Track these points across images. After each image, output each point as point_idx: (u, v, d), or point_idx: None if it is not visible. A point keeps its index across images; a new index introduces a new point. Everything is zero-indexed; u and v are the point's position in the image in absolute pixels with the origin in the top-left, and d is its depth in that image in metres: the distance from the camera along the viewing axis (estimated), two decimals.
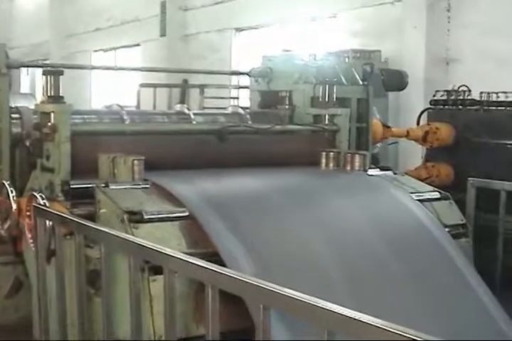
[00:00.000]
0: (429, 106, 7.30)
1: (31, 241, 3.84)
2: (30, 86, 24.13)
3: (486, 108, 6.74)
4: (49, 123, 3.95)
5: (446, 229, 4.05)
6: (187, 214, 3.49)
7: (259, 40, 14.46)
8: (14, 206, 4.05)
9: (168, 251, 2.74)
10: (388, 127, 6.78)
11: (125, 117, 4.66)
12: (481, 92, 6.83)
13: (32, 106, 4.50)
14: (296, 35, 13.19)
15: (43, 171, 4.04)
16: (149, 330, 3.16)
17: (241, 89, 12.32)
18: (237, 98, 12.71)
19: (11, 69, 4.74)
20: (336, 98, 5.12)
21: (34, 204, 3.74)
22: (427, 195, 4.27)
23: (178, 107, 5.26)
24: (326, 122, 5.01)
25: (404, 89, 8.27)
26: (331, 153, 4.65)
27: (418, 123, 7.26)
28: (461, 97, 6.99)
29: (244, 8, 14.23)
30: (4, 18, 25.95)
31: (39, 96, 4.75)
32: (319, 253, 3.49)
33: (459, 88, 7.06)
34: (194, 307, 3.22)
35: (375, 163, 8.36)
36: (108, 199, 3.53)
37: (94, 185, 3.68)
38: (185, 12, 16.29)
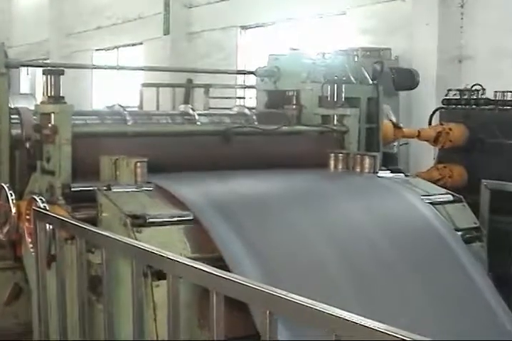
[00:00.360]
0: (442, 105, 7.28)
1: (31, 245, 3.85)
2: (30, 86, 24.22)
3: (500, 107, 6.73)
4: (49, 125, 3.96)
5: (460, 233, 4.04)
6: (191, 217, 3.49)
7: (265, 38, 14.48)
8: (13, 209, 4.06)
9: (171, 255, 2.74)
10: (399, 127, 6.77)
11: (127, 118, 4.66)
12: (496, 91, 6.81)
13: (32, 107, 4.51)
14: (304, 32, 13.21)
15: (43, 174, 4.05)
16: (152, 337, 3.16)
17: (247, 89, 12.35)
18: (243, 98, 12.74)
19: (10, 68, 4.75)
20: (345, 98, 5.11)
21: (34, 207, 3.75)
22: (440, 198, 4.26)
23: (182, 108, 5.26)
24: (335, 123, 5.01)
25: (415, 88, 8.26)
26: (340, 155, 4.65)
27: (430, 124, 7.25)
28: (475, 96, 6.97)
29: (251, 5, 14.25)
30: (3, 17, 26.03)
31: (39, 97, 4.76)
32: (327, 258, 3.49)
33: (472, 87, 7.05)
34: (198, 313, 3.23)
35: (394, 163, 8.39)
36: (110, 203, 3.54)
37: (96, 188, 3.68)
38: (190, 9, 16.32)
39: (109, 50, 20.15)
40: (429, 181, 4.73)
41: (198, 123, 4.90)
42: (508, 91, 6.75)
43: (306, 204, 3.87)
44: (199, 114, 4.99)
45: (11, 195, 4.10)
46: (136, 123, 4.69)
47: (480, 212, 5.35)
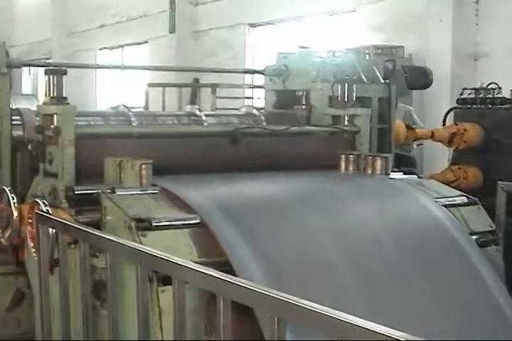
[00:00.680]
0: (456, 105, 7.29)
1: (33, 250, 3.86)
2: (32, 86, 24.29)
3: None
4: (52, 126, 3.97)
5: (475, 237, 4.04)
6: (198, 221, 3.49)
7: (274, 36, 14.50)
8: (15, 213, 4.08)
9: (178, 260, 2.75)
10: (412, 128, 6.78)
11: (132, 119, 4.68)
12: None
13: (34, 108, 4.52)
14: (314, 30, 13.22)
15: (46, 176, 4.06)
16: None
17: (255, 89, 12.36)
18: (251, 98, 12.75)
19: (12, 68, 4.78)
20: (356, 97, 5.11)
21: (36, 211, 3.76)
22: (454, 200, 4.25)
23: (188, 108, 5.27)
24: (346, 123, 5.01)
25: (428, 87, 8.27)
26: (351, 156, 4.65)
27: (444, 124, 7.25)
28: (491, 95, 6.97)
29: (259, 2, 14.27)
30: (4, 15, 26.11)
31: (41, 98, 4.78)
32: (336, 262, 3.49)
33: (488, 85, 7.05)
34: (205, 319, 3.24)
35: (413, 165, 8.39)
36: (114, 206, 3.54)
37: (100, 191, 3.69)
38: (196, 7, 16.35)
39: (113, 49, 20.20)
40: (443, 183, 4.73)
41: (205, 124, 4.91)
42: None
43: (316, 207, 3.87)
44: (206, 115, 5.00)
45: (13, 199, 4.11)
46: (142, 124, 4.71)
47: (496, 215, 5.33)
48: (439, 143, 7.23)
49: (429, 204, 4.07)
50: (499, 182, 5.67)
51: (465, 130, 6.83)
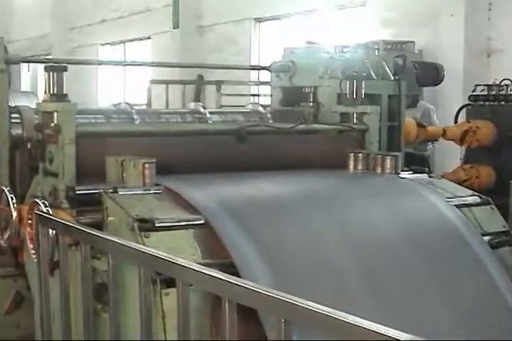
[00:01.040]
0: (468, 102, 7.29)
1: (33, 252, 3.87)
2: (32, 83, 24.31)
3: None
4: (52, 124, 3.97)
5: (488, 237, 4.04)
6: (202, 221, 3.50)
7: (281, 31, 14.49)
8: (15, 214, 4.09)
9: (181, 261, 2.75)
10: (423, 126, 6.78)
11: (135, 117, 4.69)
12: None
13: (33, 106, 4.53)
14: (322, 25, 13.21)
15: (46, 176, 4.07)
16: None
17: (261, 86, 12.36)
18: (257, 95, 12.74)
19: (11, 65, 4.79)
20: (365, 94, 5.12)
21: (36, 211, 3.76)
22: (466, 200, 4.25)
23: (192, 105, 5.28)
24: (354, 121, 5.01)
25: (440, 83, 8.27)
26: (360, 155, 4.65)
27: (456, 122, 7.25)
28: (504, 92, 6.97)
29: None
30: (2, 9, 26.15)
31: (41, 95, 4.79)
32: (344, 263, 3.50)
33: (501, 82, 7.05)
34: (210, 322, 3.25)
35: (426, 164, 8.38)
36: (117, 206, 3.55)
37: (102, 191, 3.70)
38: (200, 1, 16.35)
39: (115, 44, 20.21)
40: (455, 182, 4.73)
41: (210, 121, 4.92)
42: None
43: (324, 207, 3.87)
44: (210, 112, 5.01)
45: (12, 199, 4.12)
46: (144, 122, 4.72)
47: (509, 215, 5.34)
48: (451, 141, 7.23)
49: (439, 204, 4.08)
50: None
51: (477, 128, 6.83)
